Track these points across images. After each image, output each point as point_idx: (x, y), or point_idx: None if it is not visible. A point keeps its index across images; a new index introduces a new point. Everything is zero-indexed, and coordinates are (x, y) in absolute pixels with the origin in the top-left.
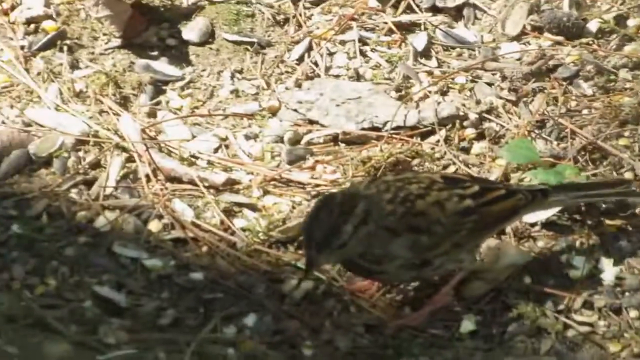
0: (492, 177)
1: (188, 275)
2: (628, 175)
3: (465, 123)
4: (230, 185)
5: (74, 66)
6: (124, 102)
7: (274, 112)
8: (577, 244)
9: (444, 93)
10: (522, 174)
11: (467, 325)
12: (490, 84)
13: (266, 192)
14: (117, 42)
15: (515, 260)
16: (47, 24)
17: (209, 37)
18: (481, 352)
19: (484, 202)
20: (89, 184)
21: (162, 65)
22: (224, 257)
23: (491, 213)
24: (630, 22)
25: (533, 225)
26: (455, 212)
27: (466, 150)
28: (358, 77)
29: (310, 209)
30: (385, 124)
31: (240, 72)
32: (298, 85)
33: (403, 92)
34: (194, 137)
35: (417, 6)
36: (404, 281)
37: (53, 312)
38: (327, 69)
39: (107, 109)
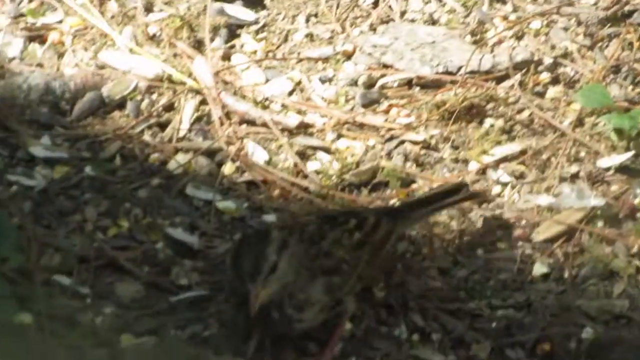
0: (567, 122)
1: (261, 218)
2: None
3: (539, 68)
4: (304, 128)
5: (149, 9)
6: (198, 46)
7: (348, 56)
8: None
9: (519, 38)
10: (597, 119)
11: (540, 268)
12: (565, 29)
13: (340, 136)
14: None
15: (589, 204)
16: None
17: None
18: (553, 295)
19: (367, 233)
20: (162, 126)
21: (237, 9)
22: (296, 200)
23: (375, 240)
24: None
25: (607, 169)
26: (352, 247)
27: (541, 95)
28: (433, 21)
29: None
30: (459, 68)
31: (315, 15)
32: (373, 29)
33: (478, 37)
34: (267, 80)
35: None
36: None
37: (125, 254)
38: (402, 13)
39: (180, 52)
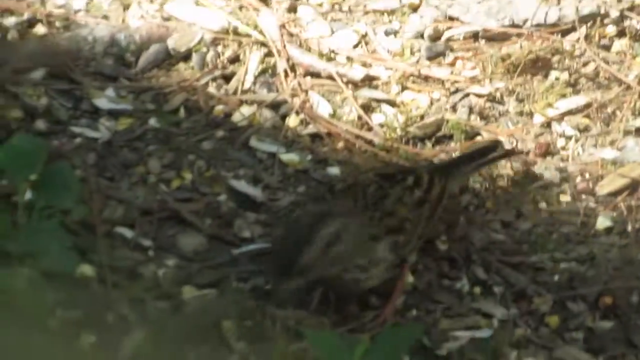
0: (632, 75)
1: (325, 170)
2: None
3: (605, 21)
4: (369, 81)
5: None
6: None
7: (414, 9)
8: None
9: None
10: None
11: (603, 221)
12: None
13: (405, 88)
14: None
15: None
16: None
17: None
18: (616, 248)
19: (425, 190)
20: (227, 78)
21: None
22: (360, 153)
23: (433, 199)
24: None
25: None
26: (413, 205)
27: (606, 48)
28: None
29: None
30: (525, 21)
31: None
32: None
33: None
34: (333, 33)
35: None
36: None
37: (188, 206)
38: None
39: (246, 4)
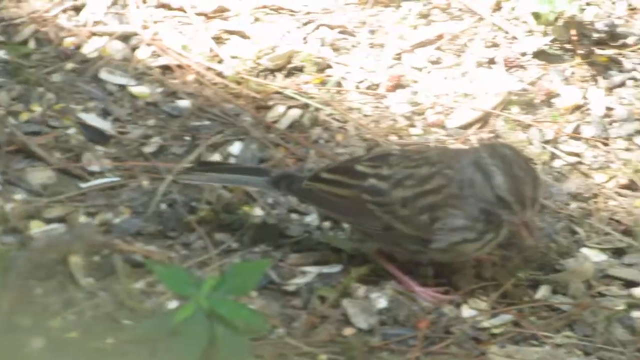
0: (484, 6)
1: (175, 103)
2: None
3: None
4: (221, 12)
5: None
6: None
7: None
8: (568, 73)
9: None
10: (515, 2)
11: None
12: None
13: (257, 20)
14: None
15: (505, 89)
16: None
17: None
18: None
19: None
20: (77, 9)
21: None
22: (211, 85)
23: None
24: None
25: (523, 54)
26: None
27: None
28: None
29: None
30: None
31: None
32: None
33: None
34: None
35: None
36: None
37: (37, 139)
38: None
39: None
